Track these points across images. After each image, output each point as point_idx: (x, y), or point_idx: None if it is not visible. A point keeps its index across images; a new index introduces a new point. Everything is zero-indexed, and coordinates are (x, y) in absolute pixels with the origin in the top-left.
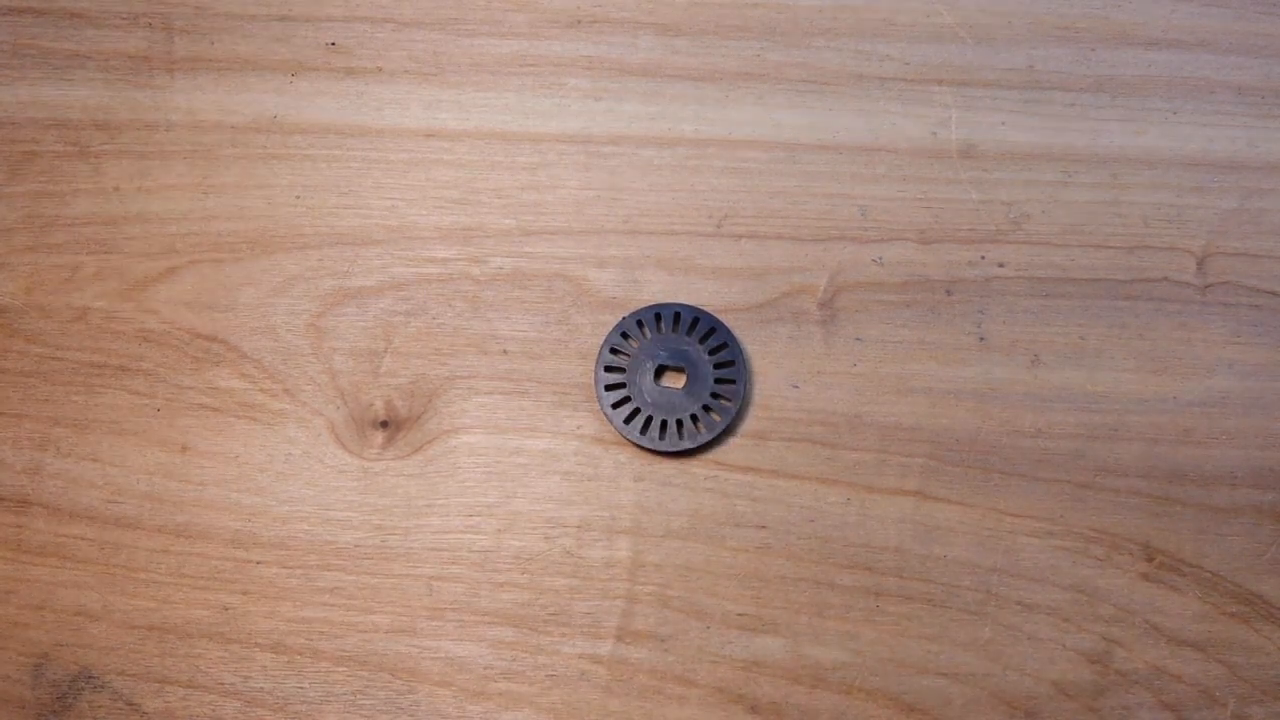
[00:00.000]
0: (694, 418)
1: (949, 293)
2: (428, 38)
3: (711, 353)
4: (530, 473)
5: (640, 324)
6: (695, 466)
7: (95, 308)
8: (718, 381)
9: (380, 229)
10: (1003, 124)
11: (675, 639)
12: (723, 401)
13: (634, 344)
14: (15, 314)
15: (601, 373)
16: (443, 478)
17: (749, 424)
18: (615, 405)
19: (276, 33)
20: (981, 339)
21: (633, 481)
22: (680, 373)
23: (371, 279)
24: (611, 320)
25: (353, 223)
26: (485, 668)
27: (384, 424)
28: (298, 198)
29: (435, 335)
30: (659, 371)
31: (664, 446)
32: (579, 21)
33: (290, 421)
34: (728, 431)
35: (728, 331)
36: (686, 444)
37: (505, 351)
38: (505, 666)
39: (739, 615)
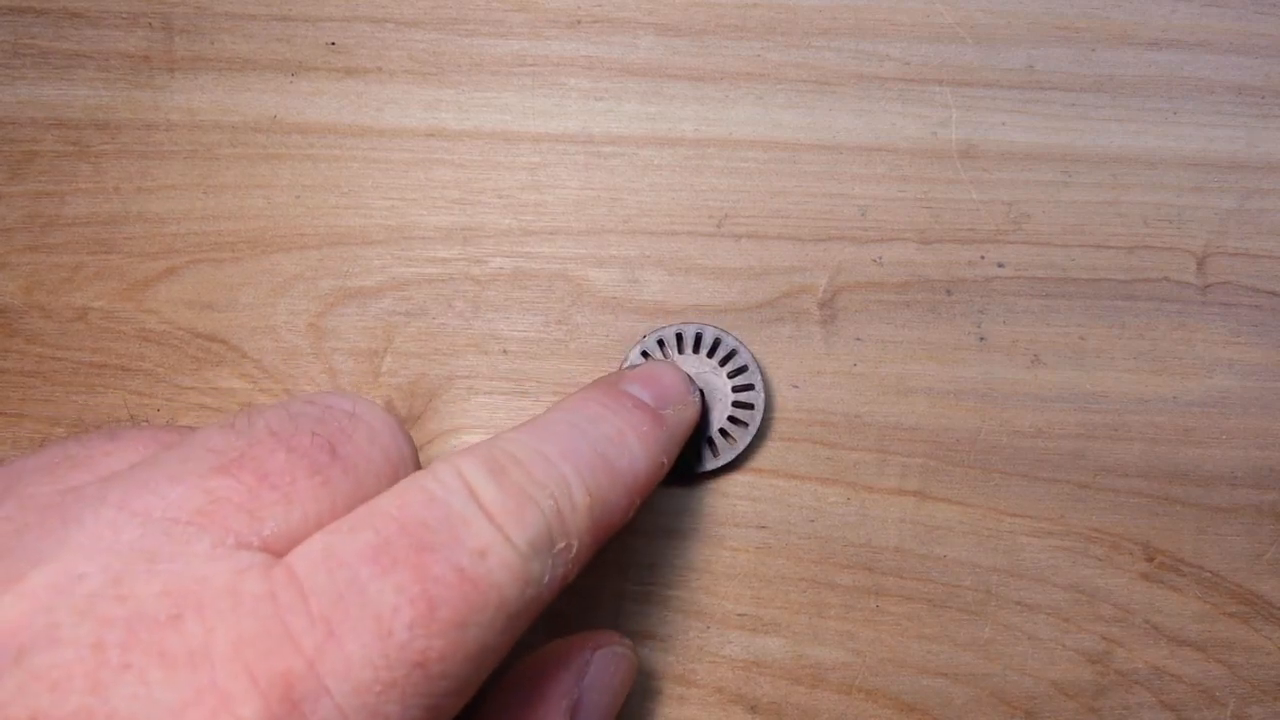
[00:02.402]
0: (710, 441)
1: (949, 293)
2: (428, 38)
3: (731, 375)
4: None
5: (661, 344)
6: None
7: (95, 308)
8: (735, 405)
9: (380, 229)
10: (1003, 124)
11: (675, 639)
12: (739, 426)
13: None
14: (15, 314)
15: None
16: None
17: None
18: None
19: (276, 33)
20: (981, 339)
21: None
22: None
23: (371, 279)
24: (612, 320)
25: (353, 223)
26: None
27: None
28: (298, 198)
29: (435, 335)
30: None
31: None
32: (579, 21)
33: None
34: (738, 461)
35: (750, 356)
36: (698, 468)
37: (506, 351)
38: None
39: (739, 615)
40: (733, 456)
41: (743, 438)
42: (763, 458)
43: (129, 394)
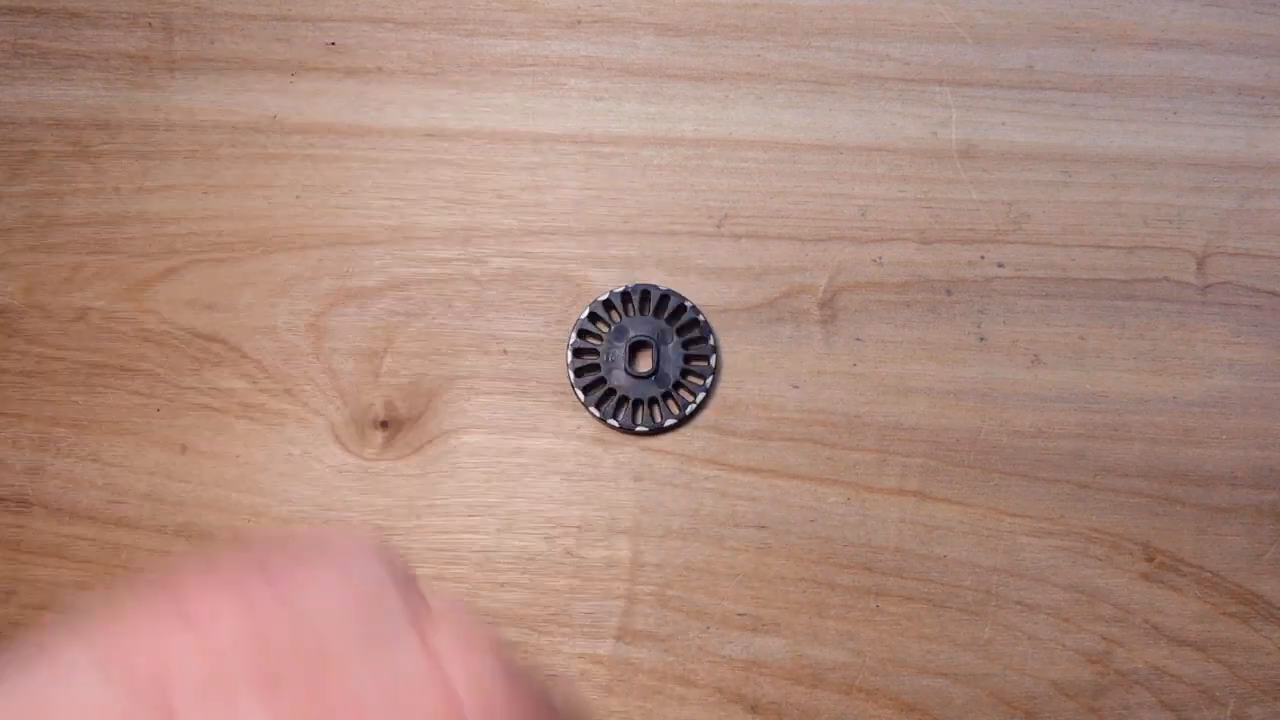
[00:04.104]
0: (665, 395)
1: (949, 293)
2: (428, 38)
3: (680, 331)
4: (530, 473)
5: (609, 306)
6: (695, 466)
7: (95, 308)
8: (687, 365)
9: (380, 229)
10: (1003, 124)
11: (675, 639)
12: (693, 379)
13: (603, 326)
14: (15, 314)
15: (571, 358)
16: (443, 478)
17: (749, 424)
18: (586, 389)
19: (276, 33)
20: (981, 339)
21: (632, 481)
22: (648, 349)
23: (371, 279)
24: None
25: (353, 223)
26: None
27: (384, 424)
28: (298, 198)
29: (435, 335)
30: (631, 353)
31: (636, 426)
32: (579, 21)
33: (290, 422)
34: (693, 416)
35: (697, 312)
36: (641, 426)
37: (505, 351)
38: None
39: (739, 615)
40: (687, 413)
41: (695, 396)
42: (763, 457)
43: (129, 394)
